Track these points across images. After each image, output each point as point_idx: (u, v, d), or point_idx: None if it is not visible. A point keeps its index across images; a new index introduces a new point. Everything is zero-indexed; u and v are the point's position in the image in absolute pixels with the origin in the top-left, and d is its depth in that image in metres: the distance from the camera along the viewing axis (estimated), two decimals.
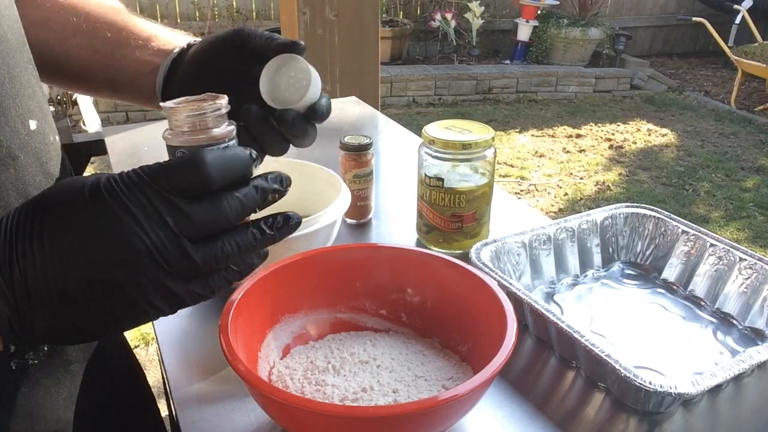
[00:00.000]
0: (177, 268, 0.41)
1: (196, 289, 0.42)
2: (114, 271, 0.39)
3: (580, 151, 3.98)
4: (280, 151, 0.61)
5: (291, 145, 0.61)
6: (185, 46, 0.65)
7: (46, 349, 0.54)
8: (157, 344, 0.72)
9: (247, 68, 0.60)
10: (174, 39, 0.67)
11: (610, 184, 3.55)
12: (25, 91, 0.51)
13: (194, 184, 0.41)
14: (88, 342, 0.44)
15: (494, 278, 0.69)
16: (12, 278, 0.39)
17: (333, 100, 1.58)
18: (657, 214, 0.87)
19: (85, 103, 2.24)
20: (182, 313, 0.75)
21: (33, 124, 0.52)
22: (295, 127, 0.58)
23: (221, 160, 0.42)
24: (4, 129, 0.48)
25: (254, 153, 0.45)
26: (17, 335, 0.40)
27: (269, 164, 0.90)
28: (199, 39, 0.66)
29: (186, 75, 0.63)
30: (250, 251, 0.44)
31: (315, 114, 0.60)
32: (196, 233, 0.41)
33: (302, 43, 0.58)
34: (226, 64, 0.61)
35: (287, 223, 0.46)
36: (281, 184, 0.46)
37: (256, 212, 0.45)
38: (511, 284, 0.71)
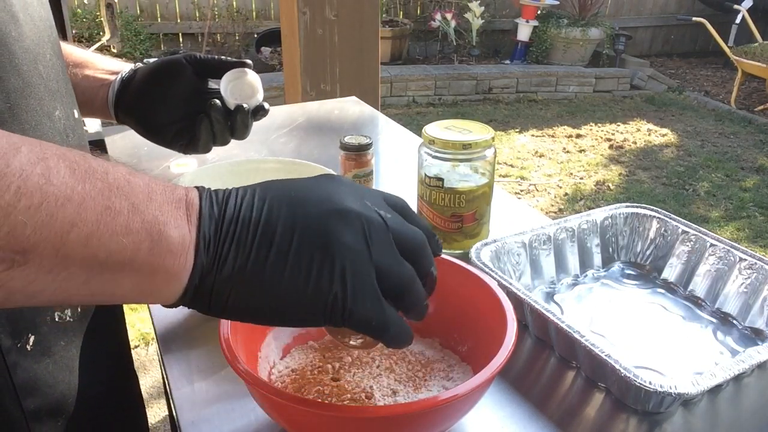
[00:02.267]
0: (376, 248, 0.42)
1: (382, 301, 0.43)
2: (321, 222, 0.41)
3: (580, 151, 3.98)
4: (222, 141, 0.79)
5: (231, 138, 0.79)
6: (134, 67, 0.80)
7: (79, 309, 0.60)
8: (157, 344, 0.72)
9: (201, 82, 0.79)
10: (118, 63, 0.82)
11: (610, 184, 3.55)
12: (70, 87, 0.63)
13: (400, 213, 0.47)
14: (266, 321, 0.44)
15: (494, 278, 0.69)
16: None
17: (333, 100, 1.59)
18: (657, 214, 0.87)
19: None
20: (182, 312, 0.75)
21: (76, 113, 0.64)
22: (244, 119, 0.77)
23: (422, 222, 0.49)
24: (65, 111, 0.59)
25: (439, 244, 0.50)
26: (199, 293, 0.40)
27: (270, 164, 0.90)
28: (141, 65, 0.81)
29: (140, 88, 0.77)
30: (418, 307, 0.47)
31: (258, 111, 0.78)
32: (400, 238, 0.44)
33: (250, 61, 0.79)
34: (181, 79, 0.77)
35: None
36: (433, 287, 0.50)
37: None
38: (511, 284, 0.71)
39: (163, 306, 0.42)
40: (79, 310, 0.61)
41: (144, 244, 0.37)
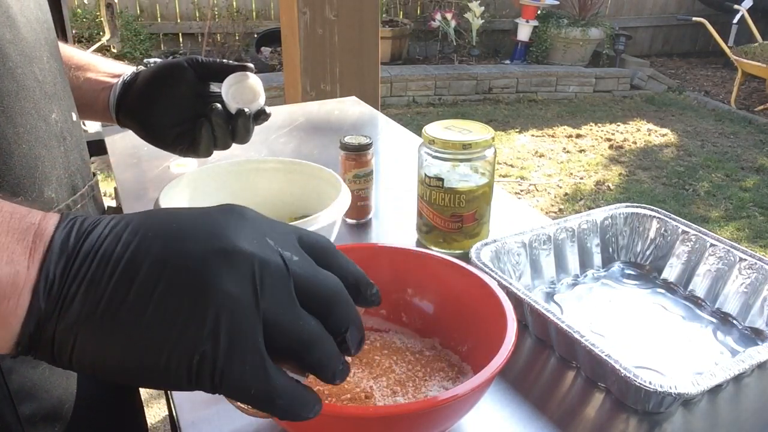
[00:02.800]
0: (268, 299, 0.34)
1: (269, 366, 0.34)
2: (197, 265, 0.34)
3: (580, 151, 3.98)
4: (224, 145, 0.77)
5: (233, 142, 0.78)
6: (136, 70, 0.79)
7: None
8: None
9: (203, 86, 0.77)
10: (120, 65, 0.81)
11: (610, 184, 3.55)
12: (68, 89, 0.64)
13: (318, 256, 0.38)
14: (128, 382, 0.35)
15: (494, 278, 0.69)
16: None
17: (333, 100, 1.59)
18: (657, 214, 0.87)
19: None
20: None
21: (74, 116, 0.64)
22: (246, 123, 0.75)
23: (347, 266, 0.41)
24: (62, 113, 0.60)
25: (376, 289, 0.42)
26: (33, 343, 0.34)
27: (270, 164, 0.90)
28: (142, 67, 0.80)
29: (142, 91, 0.76)
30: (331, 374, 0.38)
31: (260, 115, 0.76)
32: (304, 288, 0.36)
33: (252, 65, 0.77)
34: (183, 82, 0.75)
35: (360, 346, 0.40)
36: (358, 345, 0.40)
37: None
38: (511, 284, 0.71)
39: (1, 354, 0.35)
40: None
41: None
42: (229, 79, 0.76)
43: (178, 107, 0.77)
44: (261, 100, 0.77)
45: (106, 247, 0.34)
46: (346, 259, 0.41)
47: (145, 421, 0.79)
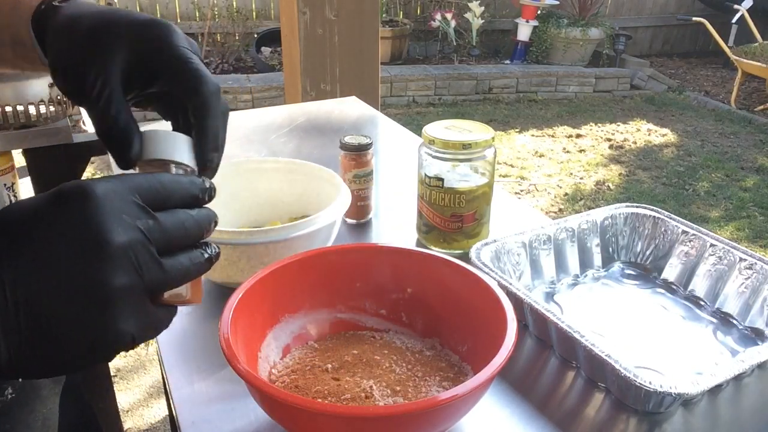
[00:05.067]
0: (147, 275, 0.38)
1: (159, 313, 0.41)
2: (85, 271, 0.36)
3: (580, 151, 3.98)
4: None
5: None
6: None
7: (20, 380, 0.54)
8: (157, 344, 0.72)
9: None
10: None
11: (610, 184, 3.55)
12: None
13: (157, 199, 0.40)
14: (57, 375, 0.40)
15: (494, 278, 0.69)
16: None
17: (333, 100, 1.58)
18: (657, 214, 0.87)
19: None
20: (182, 312, 0.75)
21: None
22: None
23: (178, 181, 0.43)
24: None
25: (208, 181, 0.45)
26: None
27: (270, 164, 0.90)
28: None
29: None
30: (203, 271, 0.43)
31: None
32: (163, 242, 0.40)
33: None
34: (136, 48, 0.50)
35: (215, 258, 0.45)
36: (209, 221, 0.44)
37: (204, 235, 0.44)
38: (511, 284, 0.71)
39: None
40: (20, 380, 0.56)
41: None
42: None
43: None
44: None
45: None
46: (174, 180, 0.42)
47: None
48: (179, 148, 0.47)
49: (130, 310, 0.38)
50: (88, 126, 1.40)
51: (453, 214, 0.86)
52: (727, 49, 4.87)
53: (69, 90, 0.50)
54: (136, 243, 0.38)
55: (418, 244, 0.92)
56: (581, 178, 3.62)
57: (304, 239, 0.72)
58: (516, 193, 3.42)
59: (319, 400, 0.56)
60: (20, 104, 1.32)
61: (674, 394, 0.57)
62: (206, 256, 0.43)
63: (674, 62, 6.16)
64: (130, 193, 0.39)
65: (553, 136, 4.21)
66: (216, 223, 0.45)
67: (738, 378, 0.64)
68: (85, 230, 0.37)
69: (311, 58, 1.86)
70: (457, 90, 4.92)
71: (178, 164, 0.47)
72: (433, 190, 0.86)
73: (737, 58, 4.75)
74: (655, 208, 0.88)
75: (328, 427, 0.51)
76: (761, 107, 4.82)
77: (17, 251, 0.36)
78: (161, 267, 0.39)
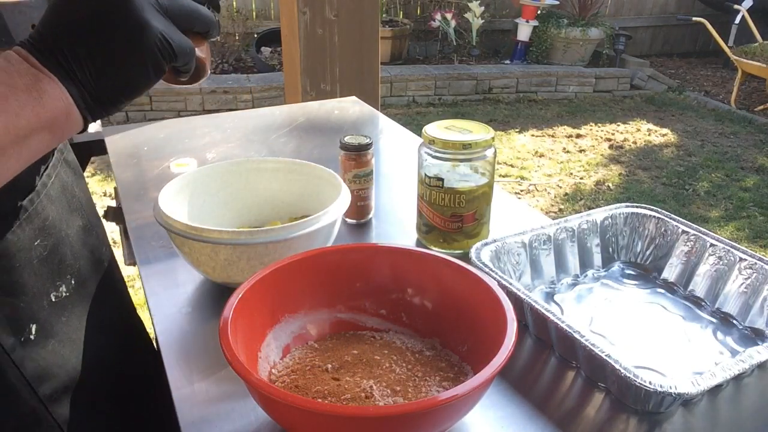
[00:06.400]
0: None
1: (176, 36, 0.50)
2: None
3: (580, 151, 3.98)
4: None
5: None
6: None
7: (73, 282, 0.62)
8: (156, 344, 0.72)
9: None
10: None
11: (610, 184, 3.55)
12: None
13: None
14: (129, 96, 0.51)
15: (494, 278, 0.69)
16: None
17: (333, 100, 1.59)
18: (657, 214, 0.87)
19: None
20: (182, 313, 0.75)
21: None
22: None
23: None
24: None
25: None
26: (88, 105, 0.48)
27: (270, 164, 0.90)
28: None
29: None
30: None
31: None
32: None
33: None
34: None
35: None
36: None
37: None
38: (511, 284, 0.71)
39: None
40: (73, 282, 0.62)
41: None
42: None
43: None
44: None
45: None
46: None
47: (169, 388, 0.78)
48: None
49: (155, 13, 0.48)
50: (89, 126, 1.40)
51: (453, 214, 0.86)
52: (727, 49, 4.87)
53: None
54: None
55: (418, 244, 0.92)
56: (581, 178, 3.62)
57: (304, 239, 0.72)
58: (516, 193, 3.42)
59: (319, 400, 0.56)
60: None
61: (674, 394, 0.57)
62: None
63: (674, 62, 6.16)
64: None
65: (553, 136, 4.21)
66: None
67: (738, 378, 0.64)
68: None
69: (311, 58, 1.86)
70: (457, 90, 4.92)
71: None
72: (433, 190, 0.86)
73: (737, 58, 4.75)
74: (655, 208, 0.88)
75: (328, 427, 0.51)
76: (761, 107, 4.82)
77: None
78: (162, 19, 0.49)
